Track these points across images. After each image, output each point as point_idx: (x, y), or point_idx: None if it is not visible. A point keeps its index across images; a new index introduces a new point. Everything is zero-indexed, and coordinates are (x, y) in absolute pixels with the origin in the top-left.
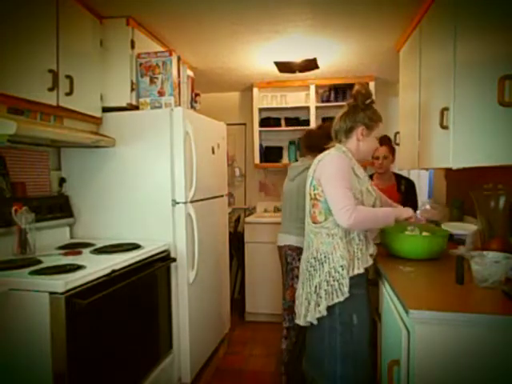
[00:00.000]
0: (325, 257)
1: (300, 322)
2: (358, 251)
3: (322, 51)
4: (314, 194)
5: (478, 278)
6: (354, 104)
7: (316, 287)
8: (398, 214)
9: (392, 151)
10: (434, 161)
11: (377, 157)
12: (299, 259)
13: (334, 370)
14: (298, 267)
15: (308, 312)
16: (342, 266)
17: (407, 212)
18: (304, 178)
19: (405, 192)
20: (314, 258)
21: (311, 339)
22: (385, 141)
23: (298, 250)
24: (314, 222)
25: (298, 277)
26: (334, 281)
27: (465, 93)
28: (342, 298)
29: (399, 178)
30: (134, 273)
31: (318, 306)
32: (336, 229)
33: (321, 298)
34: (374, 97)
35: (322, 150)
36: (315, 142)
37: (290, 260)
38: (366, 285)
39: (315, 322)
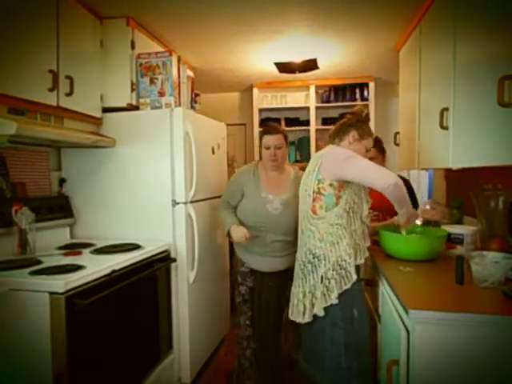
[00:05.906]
0: (330, 246)
1: (301, 319)
2: (359, 242)
3: (321, 51)
4: (318, 188)
5: (477, 278)
6: (351, 117)
7: (322, 277)
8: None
9: (382, 152)
10: (433, 161)
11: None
12: None
13: (338, 362)
14: None
15: (313, 305)
16: (349, 255)
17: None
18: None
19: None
20: (313, 255)
21: (310, 336)
22: (374, 142)
23: None
24: (315, 214)
25: None
26: (341, 269)
27: (464, 93)
28: (349, 285)
29: None
30: (134, 273)
31: (328, 295)
32: (340, 219)
33: (331, 286)
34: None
35: None
36: None
37: None
38: (359, 279)
39: (321, 314)
